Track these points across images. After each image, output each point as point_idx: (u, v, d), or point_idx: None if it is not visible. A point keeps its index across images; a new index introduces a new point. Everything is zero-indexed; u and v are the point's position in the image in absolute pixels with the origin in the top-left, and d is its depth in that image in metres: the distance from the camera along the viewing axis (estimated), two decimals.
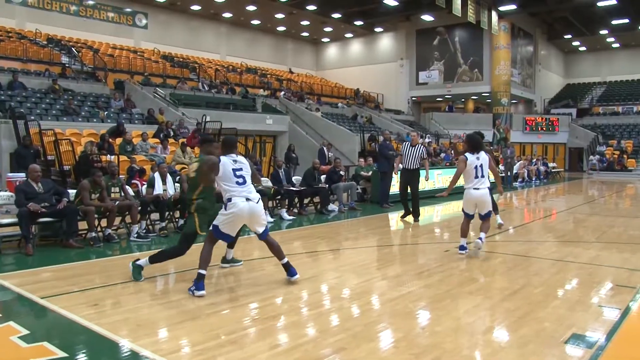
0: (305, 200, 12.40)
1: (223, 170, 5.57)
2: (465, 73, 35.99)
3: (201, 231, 5.75)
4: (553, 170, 28.62)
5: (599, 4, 31.55)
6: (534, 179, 24.98)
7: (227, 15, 34.06)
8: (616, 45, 43.33)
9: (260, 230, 5.72)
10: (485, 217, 7.43)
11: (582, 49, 45.12)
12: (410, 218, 11.00)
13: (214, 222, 5.62)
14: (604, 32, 39.06)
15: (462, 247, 7.39)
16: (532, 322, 4.56)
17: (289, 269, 5.80)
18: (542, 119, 36.32)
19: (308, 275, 6.16)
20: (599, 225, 10.89)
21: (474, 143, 7.41)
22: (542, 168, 26.39)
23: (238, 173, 5.61)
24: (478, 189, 7.25)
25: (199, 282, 5.30)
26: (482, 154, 7.37)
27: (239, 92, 26.50)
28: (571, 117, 37.97)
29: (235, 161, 5.67)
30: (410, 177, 10.92)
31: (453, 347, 3.94)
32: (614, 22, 35.80)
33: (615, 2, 31.03)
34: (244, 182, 5.61)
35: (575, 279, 6.18)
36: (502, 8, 31.09)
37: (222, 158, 5.65)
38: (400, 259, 7.73)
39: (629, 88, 42.78)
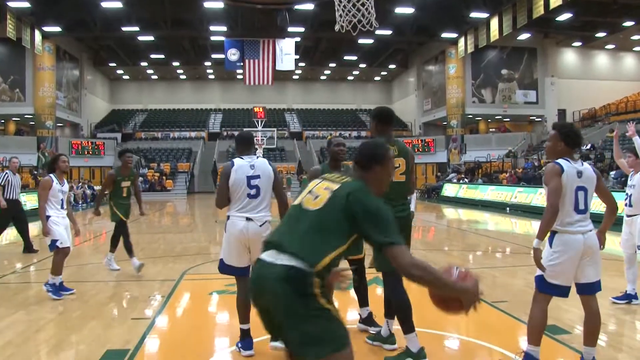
0: None
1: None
2: (4, 92, 33.07)
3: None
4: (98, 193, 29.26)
5: (140, 38, 34.16)
6: (80, 202, 25.07)
7: None
8: (155, 76, 47.71)
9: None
10: None
11: (126, 77, 47.79)
12: None
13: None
14: (144, 64, 42.51)
15: None
16: (67, 347, 4.65)
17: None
18: (88, 142, 36.66)
19: None
20: (139, 241, 11.95)
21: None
22: (88, 192, 26.76)
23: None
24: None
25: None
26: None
27: None
28: (117, 142, 39.67)
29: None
30: None
31: None
32: (152, 56, 39.53)
33: (153, 39, 34.26)
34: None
35: (114, 296, 6.58)
36: (46, 28, 29.89)
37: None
38: None
39: (166, 116, 47.74)
